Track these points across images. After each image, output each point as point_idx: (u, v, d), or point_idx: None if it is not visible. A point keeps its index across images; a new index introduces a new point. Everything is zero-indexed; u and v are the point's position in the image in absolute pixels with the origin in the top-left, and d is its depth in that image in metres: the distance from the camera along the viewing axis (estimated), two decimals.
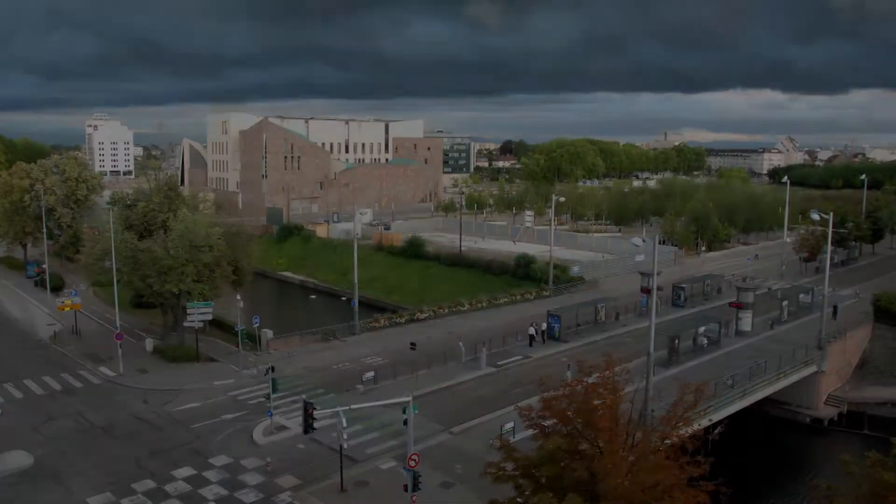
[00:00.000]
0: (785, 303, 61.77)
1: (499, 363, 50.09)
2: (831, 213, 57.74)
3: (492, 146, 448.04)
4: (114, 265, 49.81)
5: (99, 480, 33.46)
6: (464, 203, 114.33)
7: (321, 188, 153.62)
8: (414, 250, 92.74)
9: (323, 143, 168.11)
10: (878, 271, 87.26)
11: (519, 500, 24.22)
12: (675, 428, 24.75)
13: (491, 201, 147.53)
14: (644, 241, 43.17)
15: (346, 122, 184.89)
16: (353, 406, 32.89)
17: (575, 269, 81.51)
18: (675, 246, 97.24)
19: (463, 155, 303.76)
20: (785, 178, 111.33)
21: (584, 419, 23.40)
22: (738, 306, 57.77)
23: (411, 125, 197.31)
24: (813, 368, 50.94)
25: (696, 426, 27.38)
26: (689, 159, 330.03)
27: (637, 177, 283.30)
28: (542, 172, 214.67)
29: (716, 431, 30.24)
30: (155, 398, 44.19)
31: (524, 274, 79.29)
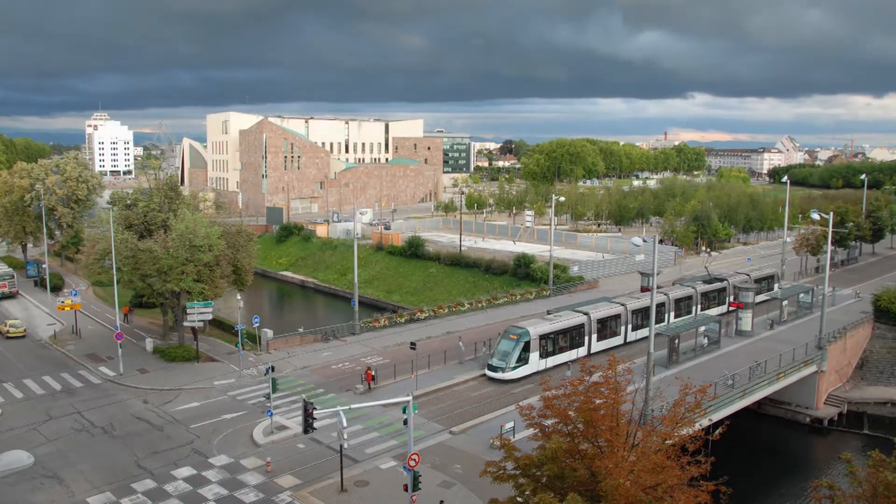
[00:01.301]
0: (785, 303, 61.74)
1: None
2: (831, 213, 57.81)
3: (492, 146, 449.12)
4: (114, 265, 49.82)
5: (99, 480, 33.47)
6: (464, 203, 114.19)
7: (321, 188, 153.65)
8: (414, 250, 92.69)
9: (323, 143, 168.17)
10: (878, 271, 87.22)
11: (519, 499, 24.18)
12: (676, 428, 24.75)
13: (491, 201, 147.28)
14: (644, 240, 43.12)
15: (346, 121, 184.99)
16: (353, 406, 32.92)
17: (574, 269, 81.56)
18: (675, 246, 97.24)
19: (463, 155, 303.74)
20: (785, 178, 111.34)
21: (585, 419, 23.37)
22: (738, 306, 57.79)
23: (411, 125, 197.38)
24: (813, 368, 50.89)
25: (696, 426, 27.38)
26: (689, 159, 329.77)
27: (637, 177, 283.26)
28: (542, 172, 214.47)
29: (716, 431, 30.21)
30: (155, 398, 44.19)
31: (524, 274, 79.26)
